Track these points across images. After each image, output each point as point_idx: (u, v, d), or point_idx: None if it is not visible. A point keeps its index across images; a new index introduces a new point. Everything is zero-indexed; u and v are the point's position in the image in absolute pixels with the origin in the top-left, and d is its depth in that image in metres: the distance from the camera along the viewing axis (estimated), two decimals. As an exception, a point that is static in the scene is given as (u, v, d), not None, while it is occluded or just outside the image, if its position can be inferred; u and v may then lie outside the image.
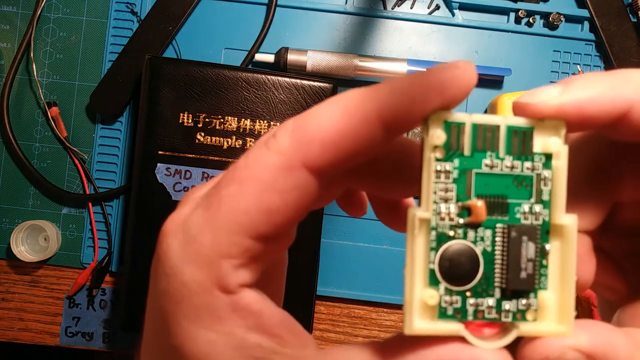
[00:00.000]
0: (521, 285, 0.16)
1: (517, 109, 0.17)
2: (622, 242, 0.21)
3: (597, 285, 0.21)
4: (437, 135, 0.16)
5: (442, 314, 0.16)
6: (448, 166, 0.16)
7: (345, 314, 0.56)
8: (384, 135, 0.16)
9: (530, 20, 0.55)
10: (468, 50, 0.56)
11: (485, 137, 0.16)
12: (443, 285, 0.16)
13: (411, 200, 0.22)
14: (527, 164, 0.17)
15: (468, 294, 0.16)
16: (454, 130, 0.16)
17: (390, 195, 0.21)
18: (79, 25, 0.55)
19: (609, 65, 0.55)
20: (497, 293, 0.16)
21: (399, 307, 0.55)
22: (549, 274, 0.17)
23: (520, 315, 0.16)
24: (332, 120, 0.16)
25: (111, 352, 0.56)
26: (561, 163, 0.17)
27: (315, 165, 0.16)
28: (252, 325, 0.17)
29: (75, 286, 0.54)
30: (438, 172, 0.16)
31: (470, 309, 0.16)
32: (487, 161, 0.17)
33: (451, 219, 0.16)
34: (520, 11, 0.55)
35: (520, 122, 0.17)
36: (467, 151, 0.16)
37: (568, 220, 0.16)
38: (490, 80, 0.55)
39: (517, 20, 0.55)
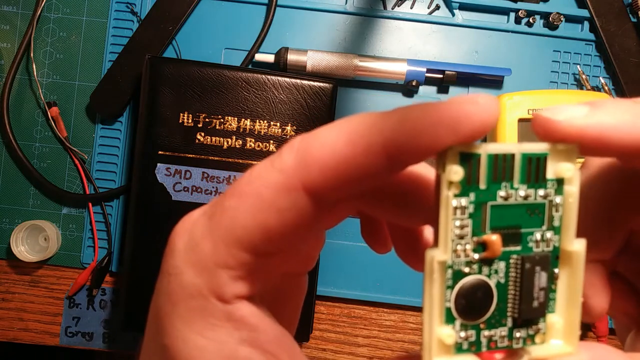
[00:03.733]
0: (533, 314, 0.16)
1: (537, 124, 0.16)
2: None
3: (614, 310, 0.21)
4: (455, 171, 0.15)
5: (459, 349, 0.16)
6: (464, 201, 0.16)
7: (345, 314, 0.56)
8: (388, 166, 0.15)
9: (530, 20, 0.55)
10: (468, 50, 0.56)
11: (501, 167, 0.16)
12: (459, 321, 0.16)
13: (429, 235, 0.21)
14: (540, 192, 0.16)
15: (482, 326, 0.16)
16: (469, 163, 0.15)
17: (401, 222, 0.20)
18: (79, 25, 0.55)
19: (608, 65, 0.55)
20: (509, 322, 0.16)
21: (399, 307, 0.55)
22: (557, 297, 0.17)
23: (530, 340, 0.17)
24: (335, 145, 0.15)
25: (111, 352, 0.56)
26: (574, 188, 0.16)
27: (313, 189, 0.16)
28: (246, 338, 0.16)
29: (75, 286, 0.54)
30: (454, 208, 0.16)
31: (484, 340, 0.16)
32: (502, 193, 0.16)
33: (467, 255, 0.16)
34: (520, 11, 0.54)
35: (534, 148, 0.16)
36: (482, 184, 0.16)
37: (577, 246, 0.16)
38: (490, 80, 0.55)
39: (517, 20, 0.55)
